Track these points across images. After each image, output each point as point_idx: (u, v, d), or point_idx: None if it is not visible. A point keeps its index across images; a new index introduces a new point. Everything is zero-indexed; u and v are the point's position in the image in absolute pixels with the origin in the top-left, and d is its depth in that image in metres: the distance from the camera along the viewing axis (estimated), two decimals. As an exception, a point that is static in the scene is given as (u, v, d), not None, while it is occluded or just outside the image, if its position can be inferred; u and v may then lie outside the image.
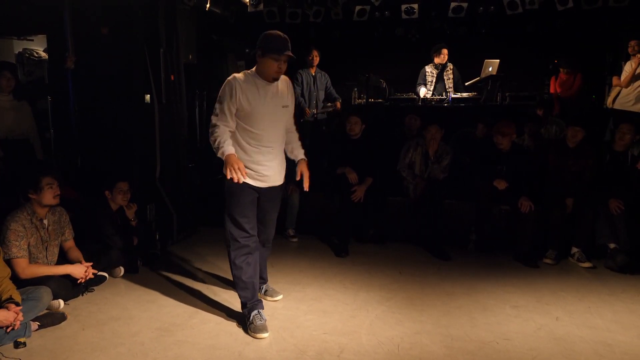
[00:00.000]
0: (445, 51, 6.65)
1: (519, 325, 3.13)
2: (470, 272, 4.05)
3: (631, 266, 4.04)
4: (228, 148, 2.80)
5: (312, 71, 6.18)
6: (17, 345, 2.80)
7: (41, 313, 3.04)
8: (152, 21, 4.59)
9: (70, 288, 3.37)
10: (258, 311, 3.05)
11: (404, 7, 6.37)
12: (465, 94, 6.75)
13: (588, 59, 7.09)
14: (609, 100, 6.24)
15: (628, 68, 5.88)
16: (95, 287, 3.63)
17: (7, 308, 2.74)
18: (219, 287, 3.75)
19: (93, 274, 3.45)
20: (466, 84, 6.96)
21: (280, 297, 3.50)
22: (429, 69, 6.80)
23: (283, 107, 3.04)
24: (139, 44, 4.55)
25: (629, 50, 5.85)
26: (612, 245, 4.19)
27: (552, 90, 6.86)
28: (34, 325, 2.96)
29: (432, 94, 6.76)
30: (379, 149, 4.86)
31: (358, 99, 7.14)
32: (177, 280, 3.88)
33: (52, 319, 3.08)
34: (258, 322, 2.98)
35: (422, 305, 3.42)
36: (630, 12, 6.23)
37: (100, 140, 4.83)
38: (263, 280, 3.49)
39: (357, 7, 6.43)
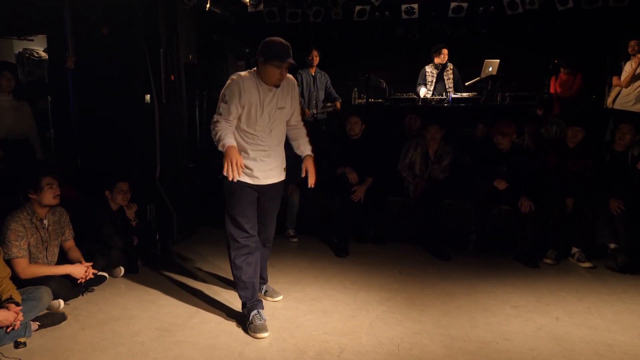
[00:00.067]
0: (445, 51, 6.65)
1: (519, 325, 3.13)
2: (470, 272, 4.05)
3: (631, 266, 4.04)
4: (229, 140, 2.79)
5: (312, 71, 6.18)
6: (17, 345, 2.80)
7: (41, 313, 3.04)
8: (152, 21, 4.60)
9: (70, 288, 3.37)
10: (258, 311, 3.05)
11: (404, 7, 6.38)
12: (465, 94, 6.74)
13: (588, 59, 7.09)
14: (609, 100, 6.23)
15: (628, 68, 5.88)
16: (95, 287, 3.63)
17: (7, 308, 2.74)
18: (219, 287, 3.75)
19: (93, 274, 3.45)
20: (466, 84, 6.96)
21: (280, 297, 3.50)
22: (429, 69, 6.80)
23: (279, 109, 3.02)
24: (139, 44, 4.55)
25: (629, 50, 5.84)
26: (612, 245, 4.19)
27: (552, 90, 6.85)
28: (34, 325, 2.96)
29: (432, 94, 6.76)
30: (379, 149, 4.87)
31: (358, 99, 7.13)
32: (177, 280, 3.88)
33: (52, 319, 3.08)
34: (258, 322, 2.98)
35: (422, 305, 3.42)
36: (630, 12, 6.23)
37: (100, 140, 4.82)
38: (263, 280, 3.48)
39: (357, 7, 6.44)
